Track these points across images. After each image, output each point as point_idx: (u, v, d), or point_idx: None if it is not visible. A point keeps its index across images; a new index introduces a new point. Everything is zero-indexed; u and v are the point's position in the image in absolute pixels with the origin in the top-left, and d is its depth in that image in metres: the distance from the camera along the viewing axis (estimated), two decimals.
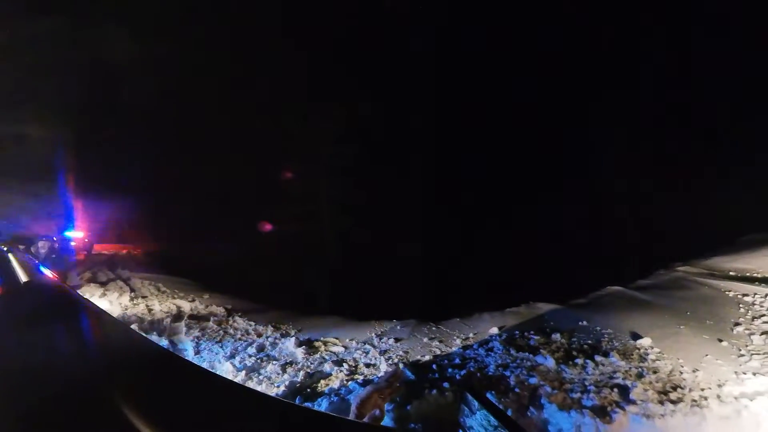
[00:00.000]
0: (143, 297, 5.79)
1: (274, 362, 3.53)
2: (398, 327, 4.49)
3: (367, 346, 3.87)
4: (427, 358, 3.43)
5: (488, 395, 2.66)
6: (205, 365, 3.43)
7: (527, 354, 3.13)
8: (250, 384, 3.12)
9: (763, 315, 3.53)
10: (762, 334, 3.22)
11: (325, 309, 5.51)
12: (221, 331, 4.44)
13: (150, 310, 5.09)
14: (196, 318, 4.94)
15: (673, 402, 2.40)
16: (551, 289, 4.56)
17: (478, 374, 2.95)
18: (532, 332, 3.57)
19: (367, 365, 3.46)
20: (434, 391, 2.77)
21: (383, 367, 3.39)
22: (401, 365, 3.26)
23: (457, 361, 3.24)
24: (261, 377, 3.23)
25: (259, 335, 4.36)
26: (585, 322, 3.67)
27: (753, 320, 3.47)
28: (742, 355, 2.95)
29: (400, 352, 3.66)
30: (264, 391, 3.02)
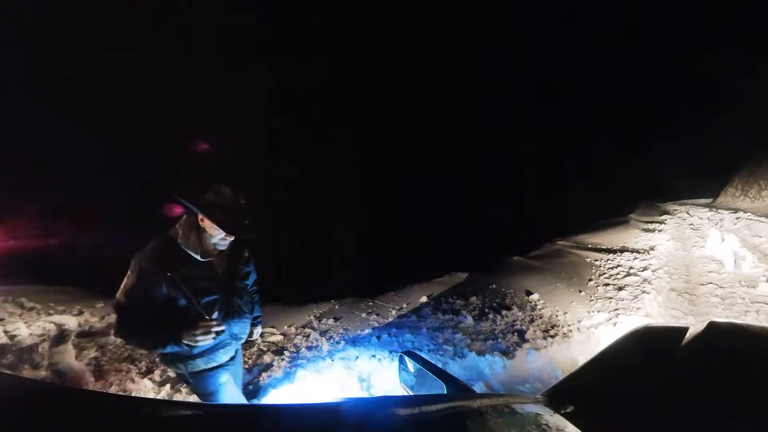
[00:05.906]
0: None
1: None
2: (336, 306, 4.59)
3: (307, 330, 3.87)
4: (366, 331, 3.65)
5: (423, 354, 3.05)
6: (112, 390, 2.90)
7: (451, 315, 3.67)
8: (179, 397, 2.78)
9: (605, 273, 4.93)
10: (603, 285, 4.50)
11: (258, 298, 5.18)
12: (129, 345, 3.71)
13: (13, 337, 3.69)
14: (89, 335, 3.80)
15: (552, 336, 3.20)
16: (470, 260, 5.39)
17: (413, 338, 3.33)
18: (454, 297, 4.17)
19: (309, 348, 3.49)
20: (376, 360, 3.02)
21: (326, 348, 3.47)
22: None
23: (394, 330, 3.56)
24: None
25: None
26: (494, 285, 4.46)
27: (599, 277, 4.80)
28: (592, 300, 4.10)
29: (341, 330, 3.80)
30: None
